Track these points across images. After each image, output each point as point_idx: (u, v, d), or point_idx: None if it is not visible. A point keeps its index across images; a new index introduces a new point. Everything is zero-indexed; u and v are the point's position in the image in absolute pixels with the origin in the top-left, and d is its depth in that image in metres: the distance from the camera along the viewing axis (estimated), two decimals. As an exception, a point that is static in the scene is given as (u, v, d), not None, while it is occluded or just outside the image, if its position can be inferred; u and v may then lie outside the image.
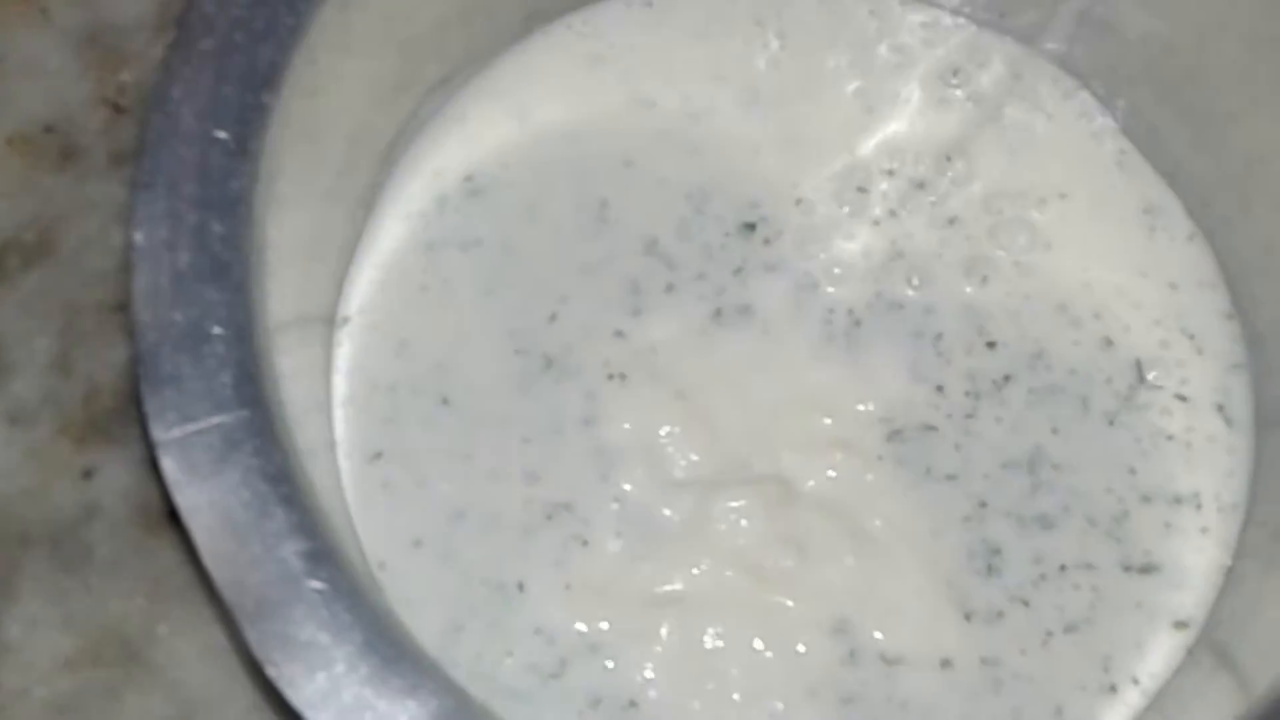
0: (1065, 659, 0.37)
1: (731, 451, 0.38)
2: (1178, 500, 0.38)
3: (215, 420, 0.30)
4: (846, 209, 0.41)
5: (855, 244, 0.40)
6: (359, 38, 0.35)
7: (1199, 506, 0.38)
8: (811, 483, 0.37)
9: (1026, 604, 0.37)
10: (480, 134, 0.40)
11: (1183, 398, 0.39)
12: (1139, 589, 0.37)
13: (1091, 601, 0.37)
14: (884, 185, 0.41)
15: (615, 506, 0.37)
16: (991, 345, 0.39)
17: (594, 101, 0.41)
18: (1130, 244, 0.41)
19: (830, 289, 0.40)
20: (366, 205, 0.39)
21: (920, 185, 0.41)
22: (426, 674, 0.29)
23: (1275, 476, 0.38)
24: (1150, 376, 0.39)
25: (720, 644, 0.36)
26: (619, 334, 0.39)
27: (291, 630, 0.29)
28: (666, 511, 0.37)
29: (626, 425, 0.38)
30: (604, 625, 0.36)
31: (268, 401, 0.30)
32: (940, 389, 0.39)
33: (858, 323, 0.39)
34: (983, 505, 0.38)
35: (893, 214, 0.41)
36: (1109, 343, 0.40)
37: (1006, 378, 0.39)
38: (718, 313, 0.39)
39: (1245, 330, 0.40)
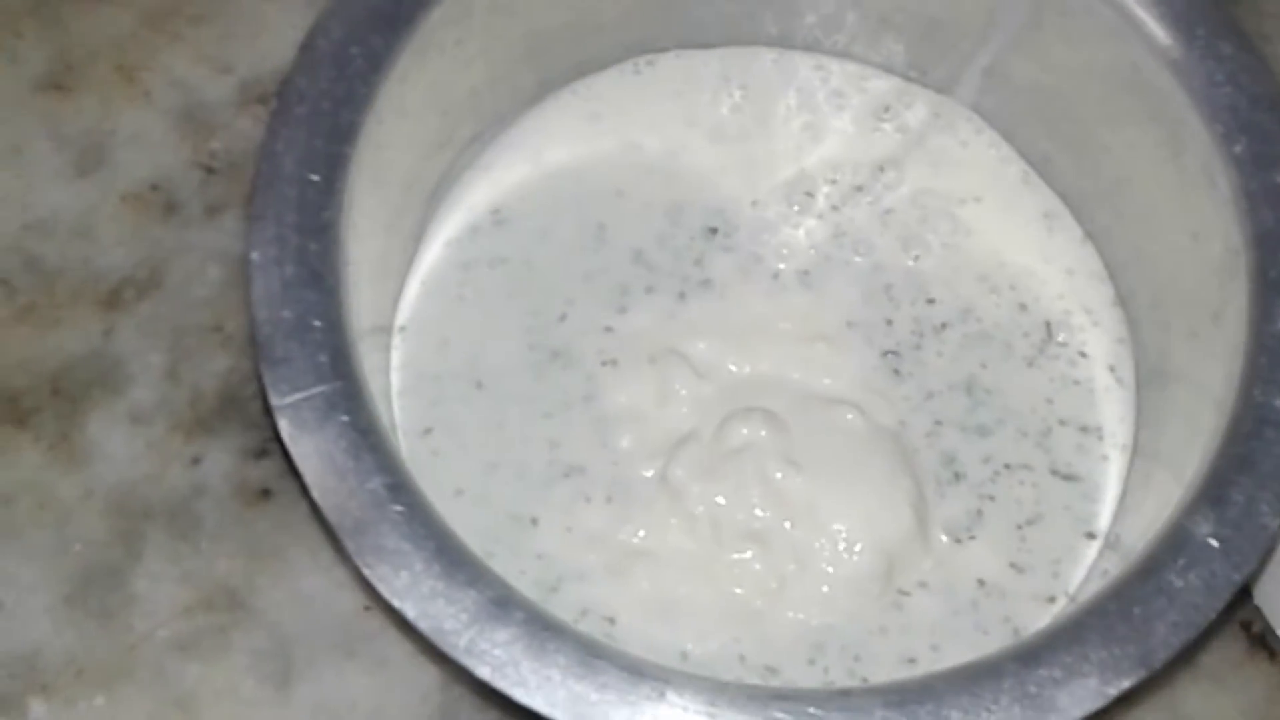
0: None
1: (707, 404, 0.41)
2: (1084, 430, 0.42)
3: (318, 389, 0.34)
4: (795, 207, 0.44)
5: (801, 230, 0.44)
6: (412, 104, 0.38)
7: (1100, 438, 0.42)
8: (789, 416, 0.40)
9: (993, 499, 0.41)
10: (504, 177, 0.44)
11: (1084, 354, 0.43)
12: (1066, 493, 0.41)
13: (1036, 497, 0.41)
14: (827, 189, 0.44)
15: (613, 470, 0.40)
16: (931, 301, 0.43)
17: (593, 147, 0.45)
18: (1034, 239, 0.45)
19: (779, 263, 0.43)
20: (416, 237, 0.43)
21: (859, 188, 0.44)
22: (482, 571, 0.33)
23: (1152, 422, 0.42)
24: (1058, 337, 0.43)
25: (684, 591, 0.39)
26: (608, 329, 0.42)
27: (381, 541, 0.32)
28: (646, 473, 0.40)
29: (622, 399, 0.41)
30: (592, 559, 0.39)
31: (356, 376, 0.34)
32: (890, 322, 0.43)
33: (806, 272, 0.43)
34: (938, 423, 0.41)
35: (835, 209, 0.44)
36: (1023, 307, 0.43)
37: (944, 324, 0.43)
38: (682, 295, 0.42)
39: (1127, 315, 0.44)
